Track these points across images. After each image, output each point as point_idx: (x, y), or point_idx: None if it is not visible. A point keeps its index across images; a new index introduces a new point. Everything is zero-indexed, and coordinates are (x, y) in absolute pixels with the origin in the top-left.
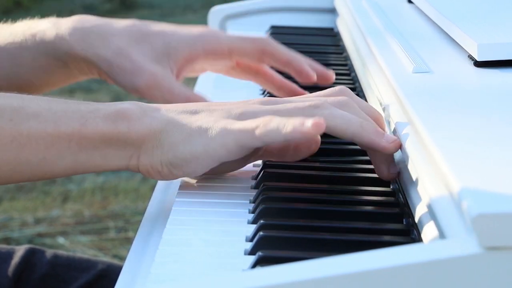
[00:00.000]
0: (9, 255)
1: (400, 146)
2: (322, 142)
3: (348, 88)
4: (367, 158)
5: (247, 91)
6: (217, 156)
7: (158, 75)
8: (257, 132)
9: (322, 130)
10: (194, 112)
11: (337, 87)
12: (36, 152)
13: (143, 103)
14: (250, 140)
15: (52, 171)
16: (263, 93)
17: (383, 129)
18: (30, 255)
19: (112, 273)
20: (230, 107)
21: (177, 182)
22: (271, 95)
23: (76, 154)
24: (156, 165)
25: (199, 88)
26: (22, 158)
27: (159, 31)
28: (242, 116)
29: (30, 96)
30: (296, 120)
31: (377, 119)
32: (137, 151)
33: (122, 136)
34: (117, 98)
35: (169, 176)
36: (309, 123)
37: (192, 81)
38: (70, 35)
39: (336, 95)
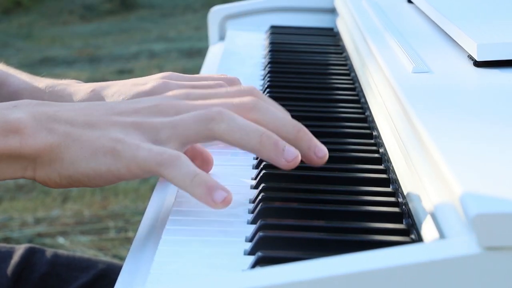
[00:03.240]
0: (9, 254)
1: (298, 163)
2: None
3: (255, 88)
4: (367, 156)
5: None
6: (121, 176)
7: None
8: (162, 169)
9: (226, 206)
10: (95, 126)
11: (246, 88)
12: None
13: (39, 106)
14: (155, 170)
15: None
16: (262, 92)
17: (292, 120)
18: (30, 254)
19: (112, 272)
20: (133, 123)
21: None
22: (272, 92)
23: None
24: (54, 177)
25: None
26: None
27: (116, 91)
28: (146, 136)
29: None
30: (203, 185)
31: (287, 121)
32: (31, 163)
33: (13, 152)
34: None
35: (67, 187)
36: (217, 197)
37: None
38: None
39: (243, 95)
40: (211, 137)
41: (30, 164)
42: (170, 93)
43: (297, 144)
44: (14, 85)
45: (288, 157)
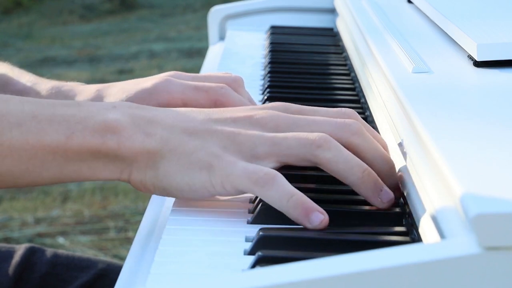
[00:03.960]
0: (10, 254)
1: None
2: None
3: (355, 112)
4: None
5: (249, 90)
6: (215, 193)
7: None
8: (258, 188)
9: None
10: (194, 134)
11: (346, 110)
12: (18, 163)
13: (138, 109)
14: (250, 189)
15: (35, 181)
16: (263, 92)
17: (388, 155)
18: (31, 254)
19: (112, 272)
20: (230, 133)
21: None
22: (272, 92)
23: (61, 165)
24: (147, 185)
25: None
26: (3, 168)
27: (120, 89)
28: (243, 150)
29: (16, 100)
30: (299, 206)
31: (383, 146)
32: (128, 166)
33: (111, 151)
34: None
35: (160, 195)
36: (313, 219)
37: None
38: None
39: (345, 117)
40: (312, 162)
41: (126, 168)
42: (270, 105)
43: (385, 180)
44: (19, 85)
45: (384, 198)
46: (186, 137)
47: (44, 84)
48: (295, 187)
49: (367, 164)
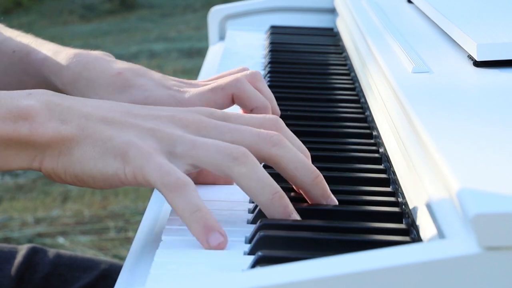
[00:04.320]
0: (12, 254)
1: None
2: (323, 148)
3: (280, 119)
4: (367, 156)
5: None
6: (126, 182)
7: None
8: (165, 191)
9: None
10: (112, 124)
11: (271, 117)
12: None
13: (54, 97)
14: (158, 188)
15: None
16: None
17: (311, 165)
18: (33, 254)
19: (114, 272)
20: (150, 129)
21: None
22: (272, 88)
23: None
24: (59, 172)
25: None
26: None
27: (142, 84)
28: (162, 146)
29: None
30: (201, 222)
31: (305, 155)
32: (40, 154)
33: (23, 138)
34: None
35: (71, 184)
36: (212, 240)
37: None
38: (65, 71)
39: (268, 127)
40: (226, 174)
41: (38, 155)
42: (194, 108)
43: (312, 189)
44: (40, 55)
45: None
46: (103, 126)
47: (66, 52)
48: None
49: (289, 175)
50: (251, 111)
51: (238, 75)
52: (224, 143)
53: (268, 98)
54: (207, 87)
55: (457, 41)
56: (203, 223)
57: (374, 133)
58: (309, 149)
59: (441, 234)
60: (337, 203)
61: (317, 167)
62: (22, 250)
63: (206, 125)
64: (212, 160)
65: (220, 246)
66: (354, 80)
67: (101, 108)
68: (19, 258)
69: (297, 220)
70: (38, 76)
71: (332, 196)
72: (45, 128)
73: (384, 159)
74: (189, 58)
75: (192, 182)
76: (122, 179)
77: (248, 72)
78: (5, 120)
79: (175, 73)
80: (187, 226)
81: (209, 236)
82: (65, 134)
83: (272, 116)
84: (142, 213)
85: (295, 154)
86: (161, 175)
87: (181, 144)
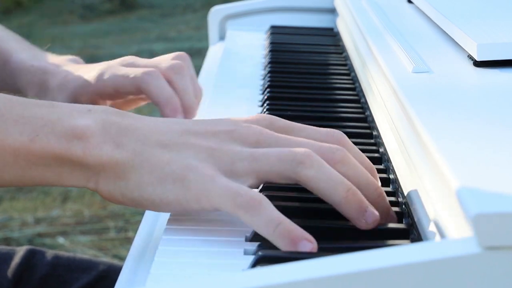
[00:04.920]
0: (10, 256)
1: (378, 225)
2: None
3: (345, 135)
4: (367, 156)
5: (249, 90)
6: (189, 208)
7: None
8: (242, 212)
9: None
10: (169, 146)
11: (335, 132)
12: None
13: (113, 116)
14: (231, 211)
15: None
16: (263, 92)
17: (375, 182)
18: (31, 255)
19: (113, 273)
20: (208, 148)
21: None
22: (272, 92)
23: (23, 168)
24: (116, 195)
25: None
26: None
27: (61, 82)
28: (222, 166)
29: None
30: (286, 235)
31: (371, 172)
32: (95, 175)
33: (76, 158)
34: None
35: (129, 205)
36: (303, 248)
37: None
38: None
39: (332, 142)
40: (294, 180)
41: (93, 176)
42: (254, 118)
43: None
44: (16, 62)
45: (369, 219)
46: (160, 150)
47: (37, 61)
48: (295, 186)
49: None
50: (157, 105)
51: (151, 69)
52: (285, 149)
53: (179, 90)
54: (121, 72)
55: (457, 41)
56: (288, 235)
57: (374, 133)
58: None
59: (441, 234)
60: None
61: None
62: (20, 251)
63: (265, 138)
64: (276, 169)
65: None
66: (354, 80)
67: (158, 128)
68: (16, 259)
69: (296, 220)
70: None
71: (393, 213)
72: (98, 150)
73: (384, 159)
74: None
75: (265, 197)
76: (183, 205)
77: (169, 64)
78: (60, 137)
79: None
80: (273, 242)
81: (298, 247)
82: (120, 158)
83: (336, 131)
84: (142, 213)
85: (359, 171)
86: (232, 197)
87: (241, 160)
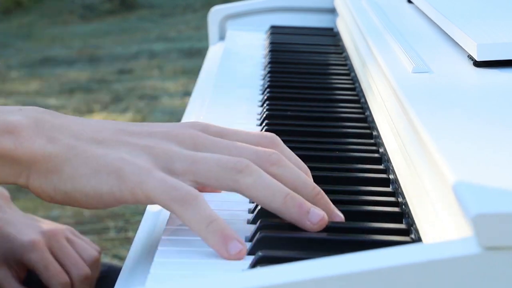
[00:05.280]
0: None
1: (326, 224)
2: (323, 148)
3: (278, 137)
4: (367, 156)
5: (249, 90)
6: (123, 200)
7: None
8: (176, 206)
9: (240, 259)
10: (103, 143)
11: (268, 134)
12: None
13: (44, 114)
14: (165, 205)
15: None
16: (263, 92)
17: (311, 181)
18: None
19: (113, 274)
20: (145, 146)
21: None
22: (272, 92)
23: None
24: (48, 190)
25: (200, 86)
26: None
27: None
28: (159, 163)
29: None
30: (218, 233)
31: (305, 172)
32: (26, 170)
33: (6, 153)
34: (117, 98)
35: (61, 203)
36: (231, 249)
37: (192, 79)
38: None
39: (265, 144)
40: (232, 188)
41: (24, 171)
42: (189, 123)
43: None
44: None
45: (313, 219)
46: (94, 145)
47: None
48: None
49: None
50: None
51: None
52: (225, 157)
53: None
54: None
55: (457, 41)
56: (220, 233)
57: (374, 133)
58: (309, 149)
59: (441, 234)
60: (343, 219)
61: (317, 167)
62: None
63: (202, 141)
64: (215, 175)
65: (240, 254)
66: (354, 80)
67: (92, 126)
68: None
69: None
70: None
71: (336, 211)
72: (31, 143)
73: (384, 159)
74: (189, 58)
75: (201, 194)
76: (117, 197)
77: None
78: None
79: (175, 73)
80: (203, 239)
81: (228, 246)
82: (53, 152)
83: (268, 134)
84: (142, 213)
85: (294, 172)
86: (167, 190)
87: (179, 160)
